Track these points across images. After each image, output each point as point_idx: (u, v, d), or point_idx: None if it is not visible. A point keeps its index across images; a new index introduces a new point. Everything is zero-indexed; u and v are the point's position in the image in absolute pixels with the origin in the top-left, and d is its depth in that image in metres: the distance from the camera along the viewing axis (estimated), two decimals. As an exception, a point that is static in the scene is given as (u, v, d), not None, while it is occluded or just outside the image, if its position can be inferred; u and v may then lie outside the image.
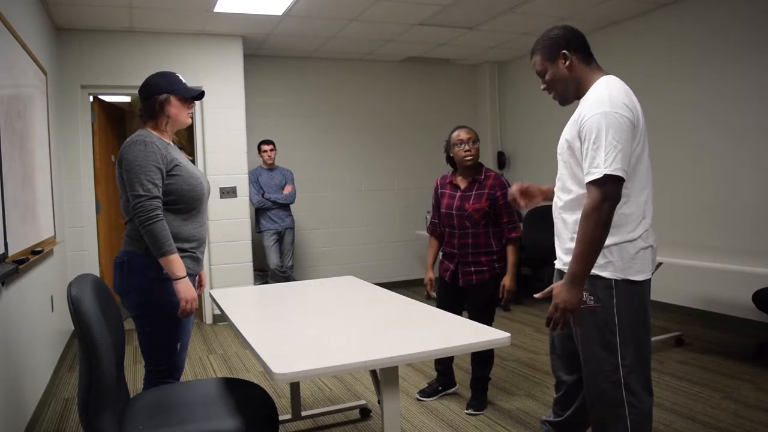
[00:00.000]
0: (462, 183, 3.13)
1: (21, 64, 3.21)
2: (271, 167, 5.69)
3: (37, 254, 3.14)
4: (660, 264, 3.62)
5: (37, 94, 3.69)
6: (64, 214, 4.85)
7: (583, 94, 1.89)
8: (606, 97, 1.78)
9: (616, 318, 1.81)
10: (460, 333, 1.91)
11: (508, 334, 1.85)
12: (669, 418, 2.93)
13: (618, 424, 1.82)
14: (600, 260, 1.79)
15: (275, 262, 5.57)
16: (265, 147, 5.64)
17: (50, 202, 3.99)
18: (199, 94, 2.39)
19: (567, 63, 1.91)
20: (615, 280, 1.81)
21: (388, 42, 5.89)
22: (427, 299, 2.95)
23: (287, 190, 5.66)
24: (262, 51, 6.06)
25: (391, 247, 6.88)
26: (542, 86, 2.01)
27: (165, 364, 2.29)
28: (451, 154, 3.12)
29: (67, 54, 4.95)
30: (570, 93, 1.95)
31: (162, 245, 2.13)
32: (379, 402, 1.88)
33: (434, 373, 3.76)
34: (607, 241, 1.77)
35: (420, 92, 6.99)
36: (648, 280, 1.86)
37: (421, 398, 3.28)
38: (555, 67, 1.92)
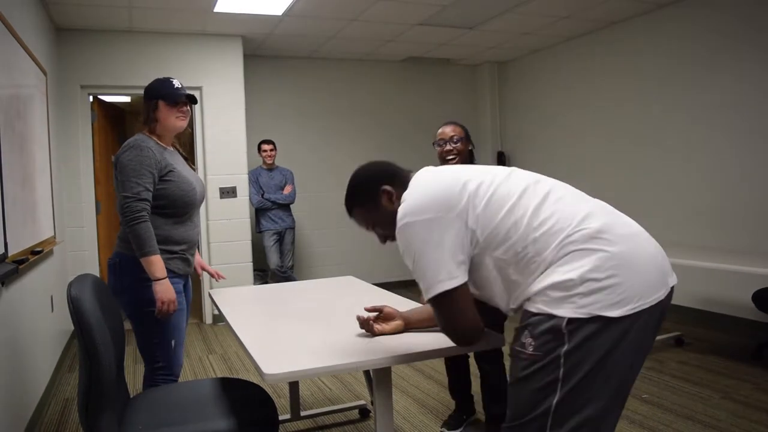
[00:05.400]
0: None
1: (21, 64, 3.21)
2: (271, 167, 5.69)
3: (37, 254, 3.14)
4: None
5: (37, 94, 3.69)
6: (64, 214, 4.85)
7: None
8: (397, 216, 1.54)
9: None
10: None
11: (503, 335, 1.85)
12: (669, 418, 2.93)
13: None
14: None
15: (275, 263, 5.57)
16: (266, 147, 5.64)
17: (50, 202, 3.99)
18: (188, 97, 2.42)
19: (389, 196, 1.67)
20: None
21: (388, 42, 5.89)
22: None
23: (287, 190, 5.66)
24: (262, 51, 6.06)
25: (391, 247, 6.85)
26: (379, 239, 1.79)
27: (162, 360, 2.34)
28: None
29: (67, 54, 4.95)
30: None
31: (143, 246, 2.19)
32: (372, 403, 1.88)
33: (435, 374, 3.76)
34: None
35: (420, 92, 6.99)
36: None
37: (447, 431, 2.89)
38: (379, 206, 1.69)
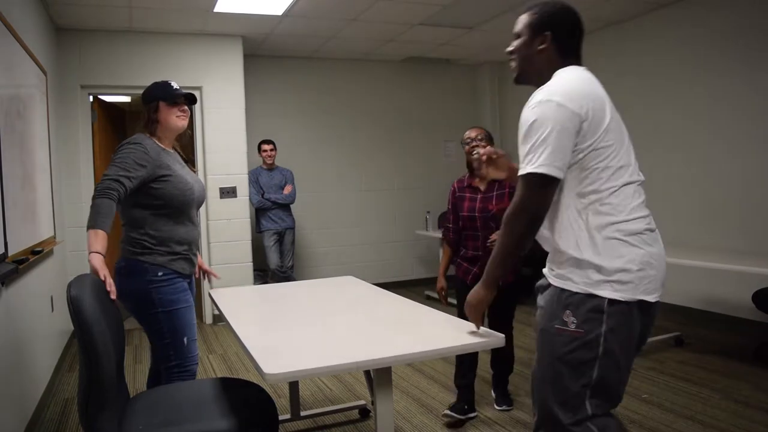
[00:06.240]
0: (481, 185, 3.02)
1: (21, 64, 3.21)
2: (271, 167, 5.69)
3: (37, 254, 3.15)
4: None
5: (37, 94, 3.69)
6: (64, 214, 4.84)
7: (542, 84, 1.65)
8: (545, 89, 1.60)
9: None
10: (455, 334, 1.90)
11: (502, 335, 1.85)
12: (669, 418, 2.93)
13: None
14: None
15: (275, 263, 5.57)
16: (265, 147, 5.65)
17: (50, 202, 3.99)
18: (186, 96, 2.45)
19: (543, 46, 1.67)
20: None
21: (388, 42, 5.89)
22: (445, 305, 2.82)
23: (287, 190, 5.66)
24: (262, 51, 6.06)
25: (391, 247, 6.88)
26: (509, 48, 1.76)
27: (175, 359, 2.36)
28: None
29: (67, 54, 4.95)
30: (529, 77, 1.73)
31: (95, 218, 2.13)
32: (372, 403, 1.88)
33: (435, 374, 3.76)
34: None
35: (420, 92, 6.99)
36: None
37: (451, 413, 2.93)
38: (530, 41, 1.69)
